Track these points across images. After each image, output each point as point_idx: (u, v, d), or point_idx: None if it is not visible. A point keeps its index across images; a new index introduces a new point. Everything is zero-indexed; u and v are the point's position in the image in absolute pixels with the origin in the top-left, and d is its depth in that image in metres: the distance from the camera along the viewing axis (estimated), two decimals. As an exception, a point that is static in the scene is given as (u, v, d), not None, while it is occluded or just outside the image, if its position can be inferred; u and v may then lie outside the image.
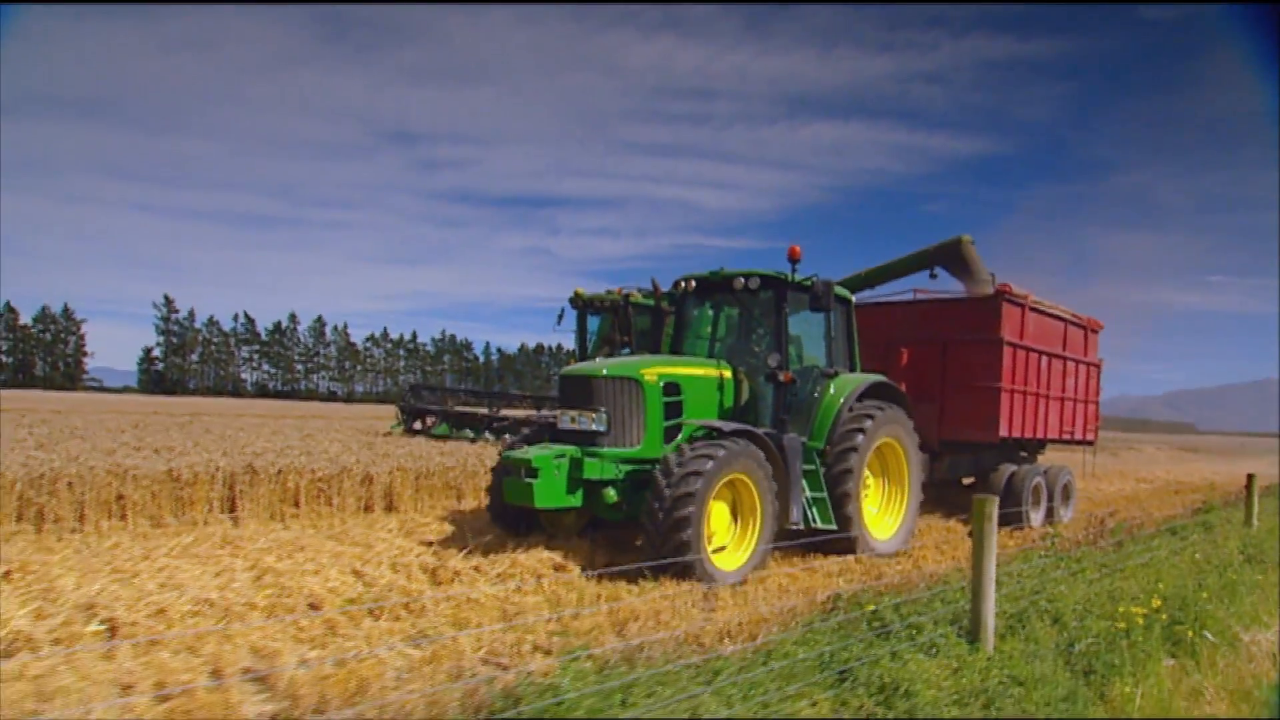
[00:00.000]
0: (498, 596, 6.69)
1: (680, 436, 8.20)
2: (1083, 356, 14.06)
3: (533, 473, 7.57)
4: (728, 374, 9.02)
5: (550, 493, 7.65)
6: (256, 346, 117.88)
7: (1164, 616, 5.89)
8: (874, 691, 4.33)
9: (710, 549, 7.68)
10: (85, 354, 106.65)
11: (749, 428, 8.09)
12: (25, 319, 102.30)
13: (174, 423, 20.10)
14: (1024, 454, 13.74)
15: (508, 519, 8.68)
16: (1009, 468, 12.65)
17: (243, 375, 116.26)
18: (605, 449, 7.97)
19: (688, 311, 10.01)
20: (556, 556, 7.91)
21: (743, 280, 9.06)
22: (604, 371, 8.13)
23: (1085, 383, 14.21)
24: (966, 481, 13.72)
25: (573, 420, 8.13)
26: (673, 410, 8.42)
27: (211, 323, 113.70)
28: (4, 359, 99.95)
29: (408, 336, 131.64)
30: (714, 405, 8.86)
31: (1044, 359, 12.70)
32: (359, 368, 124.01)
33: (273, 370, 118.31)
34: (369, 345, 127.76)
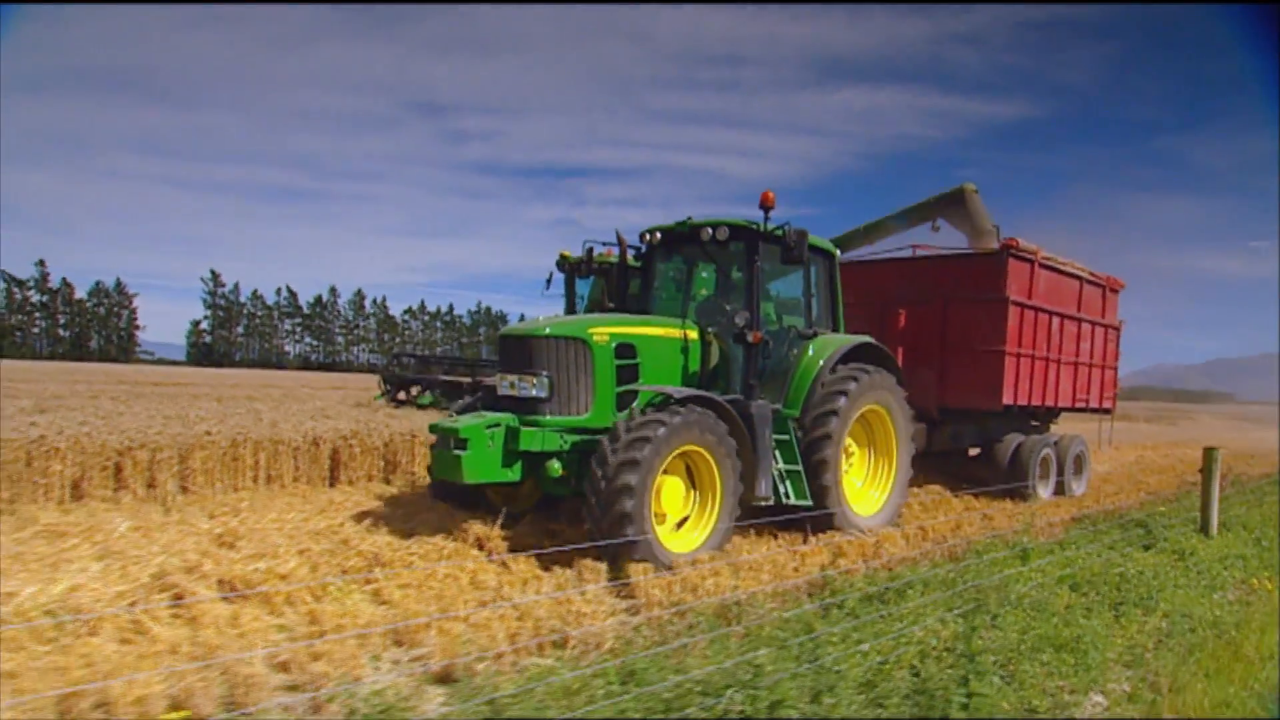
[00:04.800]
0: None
1: (636, 403, 7.41)
2: (1100, 318, 12.99)
3: (461, 444, 6.81)
4: (694, 335, 8.19)
5: (482, 466, 6.89)
6: (299, 320, 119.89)
7: (1323, 522, 9.51)
8: (1169, 553, 7.95)
9: (664, 527, 6.94)
10: (137, 328, 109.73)
11: (706, 394, 7.27)
12: (80, 294, 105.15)
13: (318, 394, 21.84)
14: (1035, 423, 12.80)
15: (448, 494, 7.98)
16: (1016, 438, 11.74)
17: (286, 348, 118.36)
18: (547, 417, 7.21)
19: (655, 267, 9.18)
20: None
21: (710, 231, 8.19)
22: (546, 331, 7.33)
23: (1103, 346, 13.16)
24: (973, 453, 12.81)
25: (511, 386, 7.35)
26: (628, 374, 7.62)
27: (256, 296, 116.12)
28: (61, 333, 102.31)
29: (444, 309, 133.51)
30: (677, 369, 8.05)
31: (1055, 320, 11.69)
32: (398, 340, 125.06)
33: (314, 343, 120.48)
34: (406, 318, 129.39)
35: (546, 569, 6.51)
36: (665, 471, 6.86)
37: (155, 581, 5.61)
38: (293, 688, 4.26)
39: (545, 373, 7.22)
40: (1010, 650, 4.73)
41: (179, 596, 5.38)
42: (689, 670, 4.11)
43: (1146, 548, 8.19)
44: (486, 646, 4.80)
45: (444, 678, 4.48)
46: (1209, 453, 9.05)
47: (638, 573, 6.17)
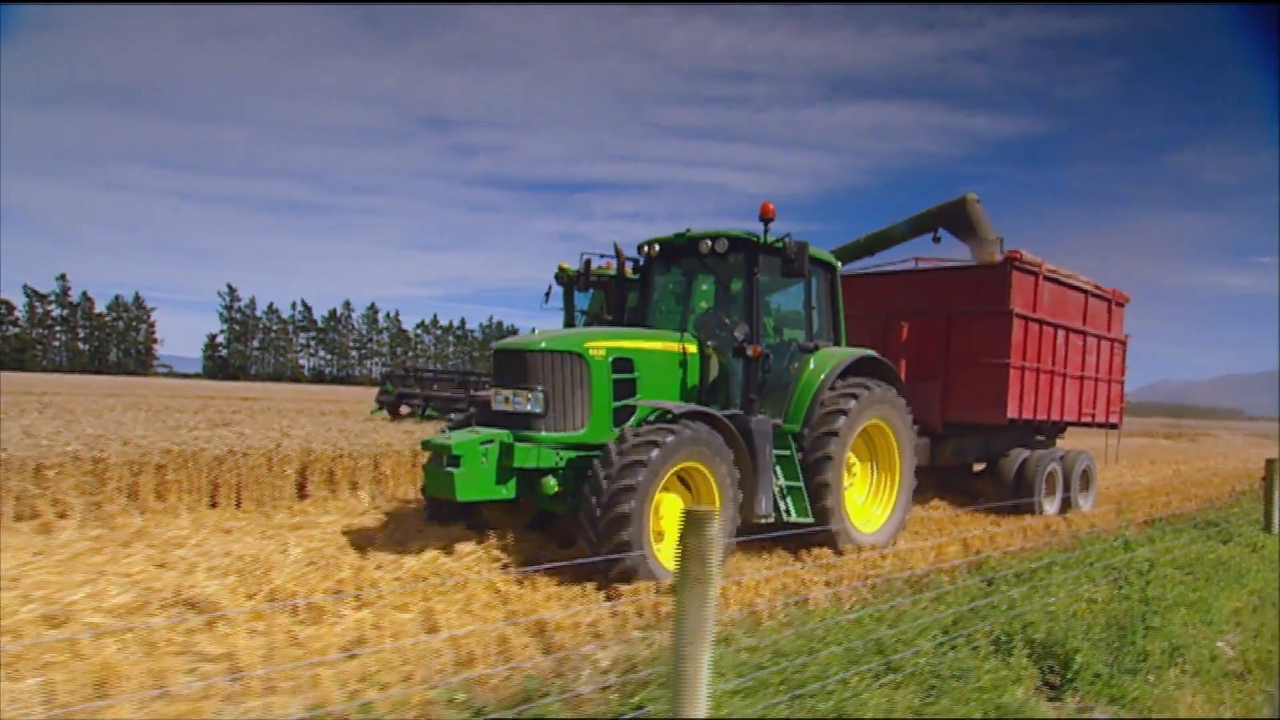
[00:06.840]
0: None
1: (633, 419, 7.28)
2: (1105, 332, 12.85)
3: (454, 461, 6.66)
4: (692, 349, 8.06)
5: (475, 484, 6.74)
6: (313, 333, 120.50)
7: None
8: (1243, 546, 8.98)
9: (660, 546, 6.78)
10: (155, 341, 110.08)
11: (704, 409, 7.13)
12: (100, 308, 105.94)
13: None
14: (1041, 438, 12.63)
15: (441, 511, 7.83)
16: (1021, 452, 11.57)
17: (300, 361, 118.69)
18: (542, 433, 7.07)
19: (654, 280, 9.05)
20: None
21: (709, 243, 8.07)
22: (542, 345, 7.20)
23: (1108, 360, 13.00)
24: (977, 468, 12.64)
25: (506, 401, 7.21)
26: (624, 389, 7.48)
27: (271, 310, 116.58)
28: (81, 346, 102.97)
29: (456, 323, 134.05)
30: (675, 384, 7.91)
31: (1060, 333, 11.55)
32: (410, 353, 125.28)
33: (328, 356, 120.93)
34: (419, 332, 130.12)
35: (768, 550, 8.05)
36: (664, 488, 6.72)
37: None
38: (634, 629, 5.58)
39: (540, 387, 7.09)
40: (1154, 604, 5.86)
41: (505, 567, 6.73)
42: (921, 616, 5.28)
43: (1224, 541, 9.23)
44: (755, 601, 6.13)
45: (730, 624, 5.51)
46: (1270, 464, 10.12)
47: (823, 555, 7.82)
